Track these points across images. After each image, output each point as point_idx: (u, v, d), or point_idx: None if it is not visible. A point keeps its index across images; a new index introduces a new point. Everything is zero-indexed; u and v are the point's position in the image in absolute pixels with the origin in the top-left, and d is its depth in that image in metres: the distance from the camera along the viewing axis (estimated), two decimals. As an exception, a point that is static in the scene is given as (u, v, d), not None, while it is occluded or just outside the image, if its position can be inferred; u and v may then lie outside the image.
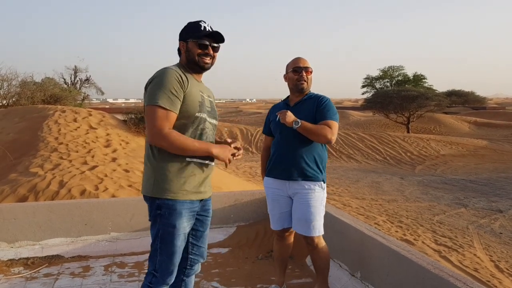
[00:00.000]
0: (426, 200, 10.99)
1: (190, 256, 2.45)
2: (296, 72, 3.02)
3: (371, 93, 41.26)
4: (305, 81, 3.02)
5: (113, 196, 5.89)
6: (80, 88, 27.19)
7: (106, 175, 6.68)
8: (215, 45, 2.37)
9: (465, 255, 6.70)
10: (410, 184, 13.46)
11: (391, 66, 46.96)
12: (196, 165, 2.26)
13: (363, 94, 46.60)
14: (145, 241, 4.12)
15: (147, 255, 4.02)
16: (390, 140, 21.59)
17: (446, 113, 40.27)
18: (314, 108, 2.99)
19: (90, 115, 10.34)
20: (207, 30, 2.32)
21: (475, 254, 6.77)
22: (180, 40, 2.37)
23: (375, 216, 9.05)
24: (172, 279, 2.30)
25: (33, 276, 3.56)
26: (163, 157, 2.20)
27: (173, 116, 2.17)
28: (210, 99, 2.43)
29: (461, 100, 56.03)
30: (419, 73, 46.02)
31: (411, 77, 45.80)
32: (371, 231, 3.18)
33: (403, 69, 46.71)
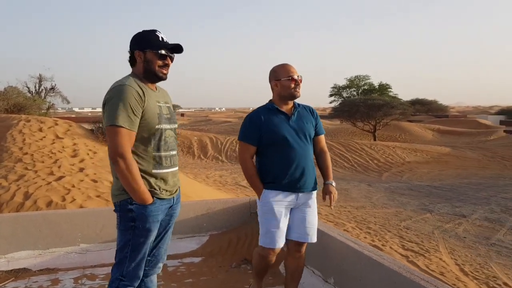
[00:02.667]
0: (393, 206, 11.23)
1: (148, 257, 2.49)
2: (293, 80, 2.95)
3: (339, 102, 41.90)
4: (300, 88, 3.01)
5: (81, 207, 5.76)
6: (45, 97, 26.49)
7: (73, 186, 6.54)
8: (172, 55, 2.39)
9: (431, 260, 6.87)
10: (378, 191, 13.72)
11: (357, 76, 47.88)
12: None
13: (330, 103, 47.26)
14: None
15: (118, 266, 3.96)
16: (358, 148, 21.98)
17: (410, 121, 41.35)
18: (312, 118, 3.06)
19: (56, 124, 10.10)
20: (165, 40, 2.35)
21: (441, 258, 6.95)
22: (135, 49, 2.34)
23: (344, 223, 9.18)
24: (138, 281, 2.38)
25: (-2, 291, 3.45)
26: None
27: (133, 135, 2.21)
28: (167, 105, 2.45)
29: (424, 109, 57.75)
30: (384, 83, 47.13)
31: (377, 86, 46.82)
32: (343, 237, 3.24)
33: (369, 79, 47.73)
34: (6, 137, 8.78)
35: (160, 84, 2.47)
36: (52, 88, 28.09)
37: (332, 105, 44.48)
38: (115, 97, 2.18)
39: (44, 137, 9.03)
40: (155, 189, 2.31)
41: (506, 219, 9.73)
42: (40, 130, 9.41)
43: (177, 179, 2.49)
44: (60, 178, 6.83)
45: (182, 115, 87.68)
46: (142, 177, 2.26)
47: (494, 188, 14.27)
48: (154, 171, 2.31)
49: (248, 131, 2.98)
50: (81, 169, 7.53)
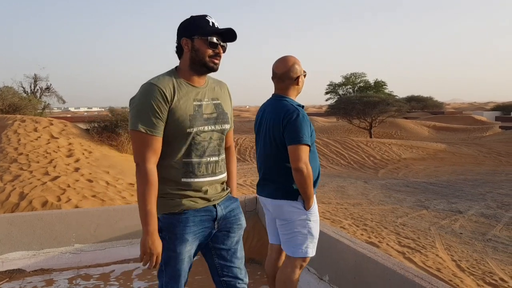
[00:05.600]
0: (390, 203, 11.24)
1: (223, 278, 2.24)
2: (305, 76, 2.85)
3: (335, 100, 41.98)
4: None
5: (77, 207, 5.75)
6: (40, 97, 26.41)
7: (68, 186, 6.52)
8: (224, 44, 2.09)
9: (428, 256, 6.88)
10: (374, 188, 13.74)
11: (353, 73, 48.00)
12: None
13: (326, 100, 47.37)
14: (110, 252, 4.05)
15: (112, 267, 3.96)
16: (354, 145, 22.00)
17: (406, 118, 41.48)
18: None
19: (51, 124, 10.07)
20: (216, 26, 2.05)
21: (437, 255, 6.96)
22: (182, 36, 2.04)
23: (340, 220, 9.18)
24: None
25: (-7, 292, 3.43)
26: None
27: (158, 140, 1.96)
28: (215, 102, 2.13)
29: (420, 106, 57.97)
30: (380, 80, 47.25)
31: (373, 84, 46.92)
32: (338, 234, 3.23)
33: (365, 76, 47.84)
34: (1, 137, 8.75)
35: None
36: (48, 88, 28.00)
37: (328, 102, 44.58)
38: (137, 98, 1.96)
39: (39, 137, 9.00)
40: (184, 197, 2.04)
41: (502, 215, 9.75)
42: (35, 130, 9.38)
43: (221, 187, 2.18)
44: (55, 178, 6.81)
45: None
46: (170, 186, 2.03)
47: (490, 184, 14.32)
48: (183, 180, 2.03)
49: (307, 131, 2.64)
50: (77, 169, 7.51)
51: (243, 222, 2.26)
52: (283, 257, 2.98)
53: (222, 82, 2.25)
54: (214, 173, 2.11)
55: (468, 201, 11.45)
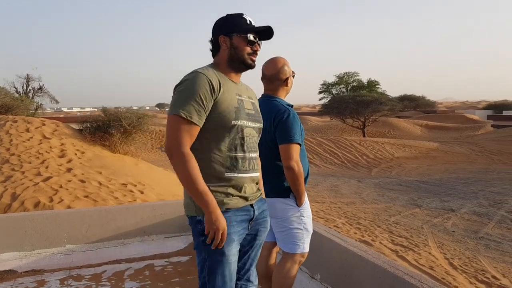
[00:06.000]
0: (383, 202, 11.29)
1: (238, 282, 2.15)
2: (293, 77, 2.88)
3: (328, 99, 42.08)
4: None
5: (69, 207, 5.72)
6: (33, 97, 26.27)
7: (61, 186, 6.48)
8: (260, 42, 2.10)
9: (420, 254, 6.91)
10: (367, 187, 13.79)
11: (346, 72, 48.13)
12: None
13: (320, 100, 47.50)
14: (102, 253, 4.04)
15: (104, 267, 3.95)
16: (347, 144, 22.06)
17: (399, 117, 41.66)
18: None
19: (44, 124, 10.00)
20: (253, 24, 2.06)
21: (430, 253, 7.00)
22: (221, 34, 2.04)
23: (334, 219, 9.21)
24: None
25: (-17, 294, 3.41)
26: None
27: (196, 130, 1.92)
28: (251, 100, 2.15)
29: (412, 105, 58.30)
30: (373, 79, 47.42)
31: (366, 83, 47.08)
32: (329, 233, 3.25)
33: (358, 75, 47.99)
34: (-8, 138, 8.68)
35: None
36: (40, 88, 27.86)
37: (322, 102, 44.69)
38: (184, 84, 1.92)
39: (31, 137, 8.94)
40: (227, 196, 1.98)
41: (494, 213, 9.83)
42: (27, 130, 9.32)
43: (256, 187, 2.14)
44: (47, 178, 6.77)
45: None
46: (212, 183, 1.94)
47: (482, 182, 14.41)
48: (227, 174, 1.97)
49: (297, 130, 2.70)
50: (69, 170, 7.47)
51: (268, 225, 2.23)
52: (273, 255, 3.00)
53: (249, 86, 2.26)
54: (254, 170, 2.08)
55: (461, 199, 11.53)
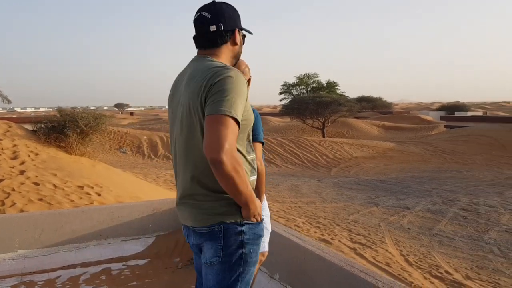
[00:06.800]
0: (342, 201, 11.50)
1: None
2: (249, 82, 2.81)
3: (289, 100, 42.47)
4: None
5: (22, 211, 5.51)
6: (-18, 97, 25.12)
7: (13, 189, 6.24)
8: None
9: (378, 251, 7.09)
10: (327, 186, 14.01)
11: (306, 74, 48.72)
12: None
13: (281, 100, 47.87)
14: (56, 258, 3.91)
15: (58, 272, 3.82)
16: (307, 145, 22.34)
17: (357, 117, 42.63)
18: None
19: (-6, 125, 9.60)
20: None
21: (387, 250, 7.19)
22: (235, 27, 1.80)
23: (295, 218, 9.30)
24: None
25: None
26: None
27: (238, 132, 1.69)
28: None
29: (370, 106, 59.78)
30: (332, 80, 48.24)
31: (325, 84, 47.85)
32: (288, 233, 3.27)
33: (317, 77, 48.68)
34: None
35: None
36: (-10, 87, 26.66)
37: (283, 102, 45.07)
38: (233, 81, 1.66)
39: (-19, 139, 8.56)
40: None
41: (447, 210, 10.20)
42: (-24, 131, 8.92)
43: None
44: (-2, 181, 6.50)
45: (131, 113, 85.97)
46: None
47: (436, 180, 14.94)
48: (252, 178, 1.82)
49: (261, 130, 2.64)
50: (22, 172, 7.20)
51: None
52: None
53: None
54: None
55: (416, 197, 11.90)
